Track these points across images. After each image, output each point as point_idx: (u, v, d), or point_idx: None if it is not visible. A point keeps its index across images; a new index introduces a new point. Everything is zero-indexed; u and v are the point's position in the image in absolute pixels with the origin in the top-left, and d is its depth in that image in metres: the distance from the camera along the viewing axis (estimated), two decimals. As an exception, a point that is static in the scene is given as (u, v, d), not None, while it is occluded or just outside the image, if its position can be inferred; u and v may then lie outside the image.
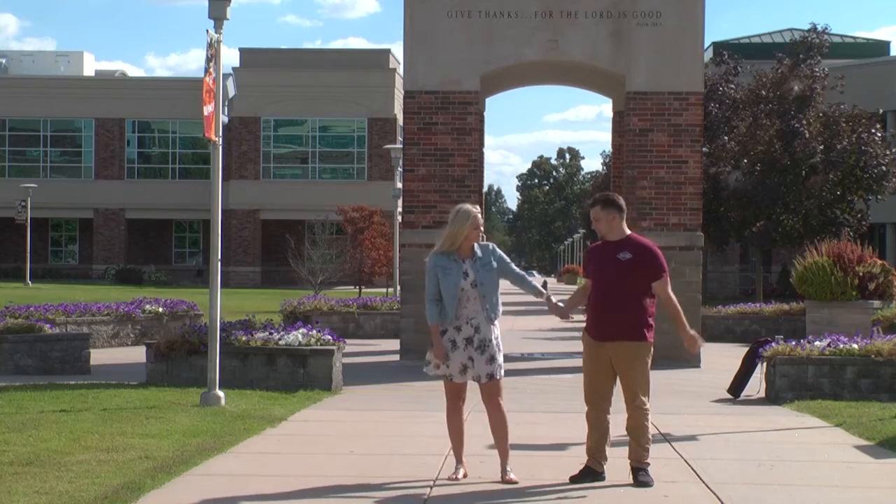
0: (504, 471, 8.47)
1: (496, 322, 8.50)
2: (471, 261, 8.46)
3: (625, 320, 8.34)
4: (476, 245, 8.49)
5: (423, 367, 8.77)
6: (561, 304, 8.62)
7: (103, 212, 64.75)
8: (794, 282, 19.42)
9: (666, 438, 10.57)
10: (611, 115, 23.30)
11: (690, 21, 19.23)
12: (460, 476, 8.51)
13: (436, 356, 8.57)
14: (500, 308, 8.56)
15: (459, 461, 8.61)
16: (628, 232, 8.56)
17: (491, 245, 8.57)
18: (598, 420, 8.47)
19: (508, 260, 8.66)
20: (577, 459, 9.42)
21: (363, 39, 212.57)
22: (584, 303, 8.67)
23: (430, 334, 8.72)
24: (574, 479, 8.40)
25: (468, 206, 8.50)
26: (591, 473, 8.44)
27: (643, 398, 8.40)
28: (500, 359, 8.51)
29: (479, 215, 8.51)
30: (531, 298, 8.70)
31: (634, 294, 8.33)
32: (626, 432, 8.48)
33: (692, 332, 8.51)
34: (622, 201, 8.62)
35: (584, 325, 8.70)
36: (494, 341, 8.45)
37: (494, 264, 8.47)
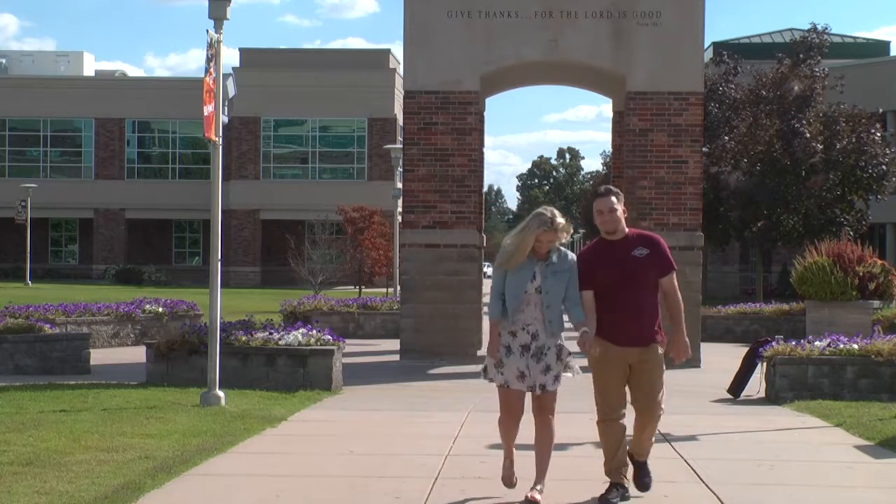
0: (533, 487, 7.80)
1: (558, 331, 7.77)
2: (543, 263, 7.70)
3: (649, 322, 7.80)
4: (554, 250, 7.72)
5: (480, 373, 8.00)
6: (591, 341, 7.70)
7: (103, 212, 64.72)
8: (794, 282, 19.41)
9: (666, 438, 10.57)
10: (611, 115, 23.29)
11: (690, 21, 19.22)
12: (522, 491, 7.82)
13: (489, 353, 7.81)
14: (563, 322, 7.80)
15: (510, 474, 7.93)
16: (626, 228, 7.96)
17: (571, 255, 7.82)
18: (619, 431, 7.89)
19: (576, 282, 7.79)
20: (577, 459, 9.44)
21: (362, 39, 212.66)
22: (594, 321, 7.83)
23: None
24: (603, 500, 7.87)
25: (542, 210, 7.73)
26: (620, 487, 7.92)
27: (662, 405, 7.93)
28: (559, 369, 7.78)
29: (554, 219, 7.61)
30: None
31: (652, 292, 7.82)
32: (633, 435, 8.02)
33: (686, 339, 7.91)
34: None
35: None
36: (554, 349, 7.73)
37: (567, 275, 7.71)
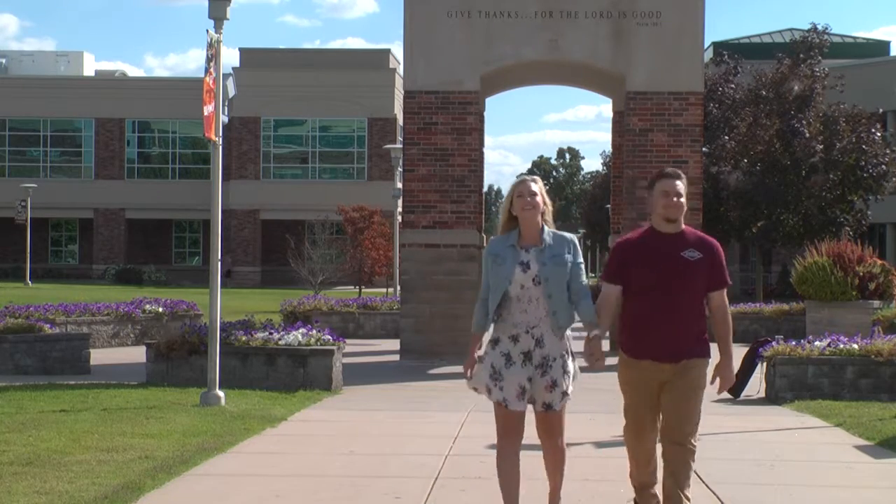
0: None
1: (567, 334, 6.58)
2: (537, 250, 6.49)
3: (691, 334, 6.53)
4: (547, 231, 6.53)
5: (468, 384, 6.84)
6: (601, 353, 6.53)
7: (103, 212, 64.74)
8: (794, 282, 19.41)
9: (666, 438, 10.56)
10: (610, 115, 23.32)
11: (690, 21, 19.24)
12: None
13: (465, 366, 6.73)
14: (572, 315, 6.58)
15: None
16: (683, 224, 6.67)
17: (570, 236, 6.60)
18: (651, 454, 6.73)
19: (582, 265, 6.61)
20: (577, 459, 9.41)
21: (361, 39, 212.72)
22: (609, 321, 6.71)
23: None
24: None
25: (523, 176, 6.67)
26: None
27: (696, 435, 6.65)
28: (567, 384, 6.55)
29: (531, 183, 6.56)
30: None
31: (698, 303, 6.54)
32: (662, 482, 6.68)
33: (731, 371, 6.60)
34: None
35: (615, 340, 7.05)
36: (560, 360, 6.51)
37: (569, 258, 6.50)
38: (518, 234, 6.54)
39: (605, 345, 7.01)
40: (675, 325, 6.46)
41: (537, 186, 6.56)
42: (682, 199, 6.51)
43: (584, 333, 6.54)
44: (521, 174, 6.83)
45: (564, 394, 6.55)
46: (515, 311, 6.50)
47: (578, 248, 6.59)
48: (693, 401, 6.53)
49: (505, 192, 6.74)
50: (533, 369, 6.48)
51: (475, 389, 6.75)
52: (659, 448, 6.66)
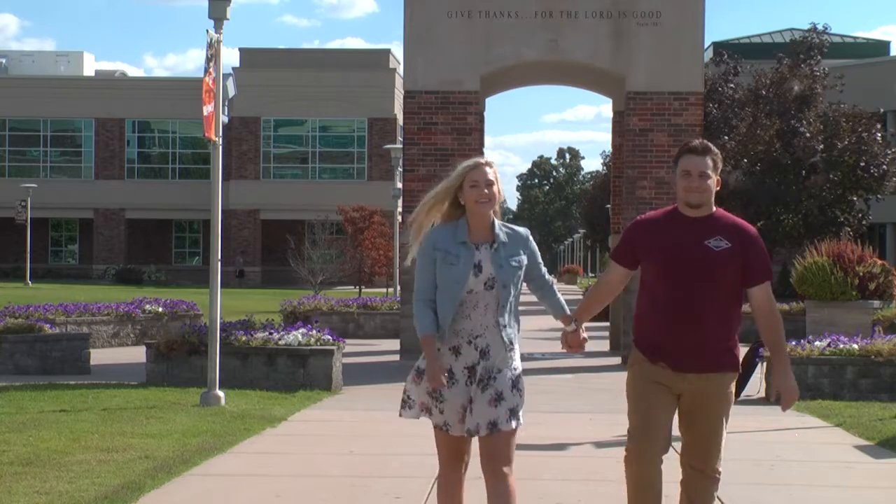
0: None
1: (516, 345, 5.59)
2: (489, 248, 5.50)
3: (717, 341, 5.53)
4: (498, 225, 5.55)
5: (400, 409, 5.74)
6: (584, 336, 5.67)
7: (103, 212, 64.77)
8: (794, 282, 19.39)
9: (666, 438, 10.56)
10: (610, 115, 23.32)
11: (690, 21, 19.24)
12: None
13: (430, 379, 5.45)
14: (518, 326, 5.64)
15: None
16: (714, 207, 5.58)
17: (525, 232, 5.63)
18: (653, 478, 5.51)
19: (540, 258, 5.69)
20: (577, 459, 9.43)
21: (361, 39, 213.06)
22: (597, 310, 5.84)
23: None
24: None
25: (476, 159, 5.67)
26: None
27: (720, 460, 5.58)
28: (515, 401, 5.48)
29: (488, 169, 5.54)
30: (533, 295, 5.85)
31: (727, 301, 5.50)
32: None
33: (792, 379, 5.57)
34: None
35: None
36: (509, 373, 5.49)
37: (524, 260, 5.55)
38: (466, 227, 5.54)
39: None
40: (695, 327, 5.43)
41: (494, 174, 5.55)
42: (710, 181, 5.44)
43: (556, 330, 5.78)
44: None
45: (513, 413, 5.45)
46: (458, 317, 5.48)
47: (532, 240, 5.65)
48: (720, 420, 5.51)
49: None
50: (475, 385, 5.46)
51: (405, 414, 5.72)
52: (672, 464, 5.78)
